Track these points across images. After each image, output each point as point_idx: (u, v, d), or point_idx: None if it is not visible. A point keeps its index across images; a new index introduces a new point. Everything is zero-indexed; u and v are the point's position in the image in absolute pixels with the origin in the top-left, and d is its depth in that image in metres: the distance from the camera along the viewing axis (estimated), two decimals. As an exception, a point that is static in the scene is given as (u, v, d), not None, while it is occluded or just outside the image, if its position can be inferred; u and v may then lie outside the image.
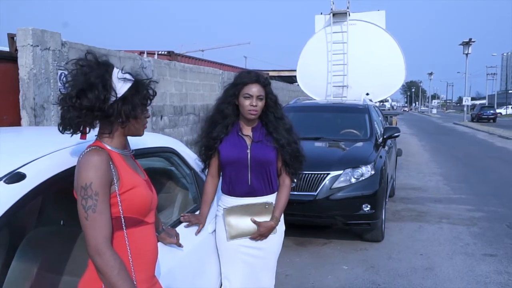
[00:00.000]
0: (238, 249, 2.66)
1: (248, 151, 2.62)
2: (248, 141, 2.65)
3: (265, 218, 2.64)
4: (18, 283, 1.82)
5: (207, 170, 2.79)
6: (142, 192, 1.71)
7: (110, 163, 1.64)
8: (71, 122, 1.63)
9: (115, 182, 1.64)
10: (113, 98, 1.65)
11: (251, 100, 2.58)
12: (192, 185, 2.94)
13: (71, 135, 1.67)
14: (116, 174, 1.65)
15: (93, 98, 1.60)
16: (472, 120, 41.76)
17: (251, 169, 2.62)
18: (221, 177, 2.77)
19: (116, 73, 1.68)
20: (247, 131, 2.68)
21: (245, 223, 2.64)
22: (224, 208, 2.67)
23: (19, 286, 1.82)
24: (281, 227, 2.74)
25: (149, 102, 1.78)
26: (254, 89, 2.59)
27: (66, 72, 1.70)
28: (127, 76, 1.71)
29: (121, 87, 1.67)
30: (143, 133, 1.83)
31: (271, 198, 2.68)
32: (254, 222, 2.63)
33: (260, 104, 2.61)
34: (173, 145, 2.85)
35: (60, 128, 1.65)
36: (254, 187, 2.64)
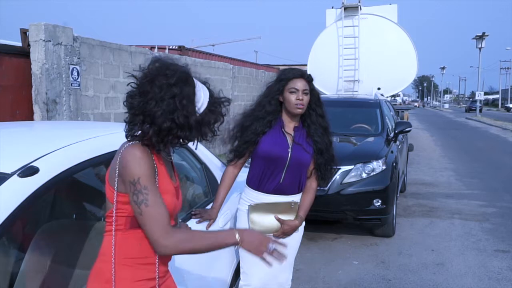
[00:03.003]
0: None
1: (289, 150, 2.62)
2: (290, 140, 2.64)
3: (288, 217, 2.65)
4: (32, 276, 1.84)
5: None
6: (169, 201, 1.67)
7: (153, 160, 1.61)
8: (165, 139, 1.58)
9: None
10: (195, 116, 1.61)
11: (297, 94, 2.58)
12: (202, 179, 2.94)
13: (127, 137, 1.61)
14: (156, 174, 1.61)
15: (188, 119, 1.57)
16: (466, 111, 56.07)
17: (287, 168, 2.62)
18: (249, 170, 2.75)
19: (199, 88, 1.65)
20: (290, 129, 2.67)
21: (269, 220, 2.63)
22: (249, 205, 2.66)
23: (32, 279, 1.84)
24: (302, 224, 2.74)
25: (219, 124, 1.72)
26: (300, 84, 2.59)
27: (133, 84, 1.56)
28: (206, 90, 1.67)
29: (201, 105, 1.63)
30: None
31: (297, 198, 2.69)
32: (278, 220, 2.63)
33: (306, 98, 2.61)
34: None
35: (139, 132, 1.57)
36: (284, 186, 2.64)
